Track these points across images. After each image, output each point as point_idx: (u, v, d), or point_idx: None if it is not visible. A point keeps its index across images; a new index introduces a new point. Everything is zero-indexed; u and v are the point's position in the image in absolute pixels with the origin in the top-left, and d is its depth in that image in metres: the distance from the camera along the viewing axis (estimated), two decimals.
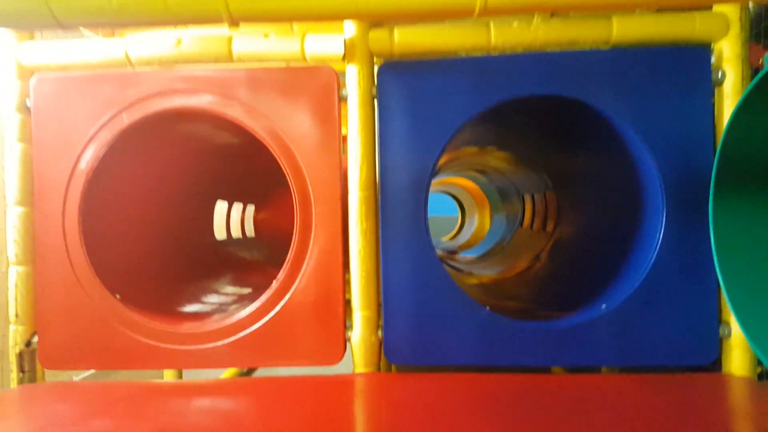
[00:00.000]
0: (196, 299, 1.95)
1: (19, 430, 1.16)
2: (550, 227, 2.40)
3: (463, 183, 4.48)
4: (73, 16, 0.60)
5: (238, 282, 2.31)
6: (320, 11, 0.58)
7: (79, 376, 2.44)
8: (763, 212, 1.23)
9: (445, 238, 5.39)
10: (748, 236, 1.23)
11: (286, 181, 1.46)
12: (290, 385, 1.34)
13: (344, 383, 1.35)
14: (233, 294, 2.13)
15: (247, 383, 1.43)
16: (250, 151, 2.14)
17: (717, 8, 1.38)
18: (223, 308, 1.86)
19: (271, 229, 3.29)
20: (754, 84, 1.09)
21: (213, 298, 2.02)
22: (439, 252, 3.72)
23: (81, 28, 1.31)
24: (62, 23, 0.61)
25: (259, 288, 1.59)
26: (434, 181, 4.35)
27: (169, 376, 2.37)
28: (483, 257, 3.37)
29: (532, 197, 2.68)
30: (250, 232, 3.08)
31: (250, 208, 3.08)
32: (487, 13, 0.57)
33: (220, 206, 2.64)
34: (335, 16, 0.62)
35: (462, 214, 5.38)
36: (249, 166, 2.53)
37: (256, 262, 2.92)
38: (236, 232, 2.85)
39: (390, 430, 1.11)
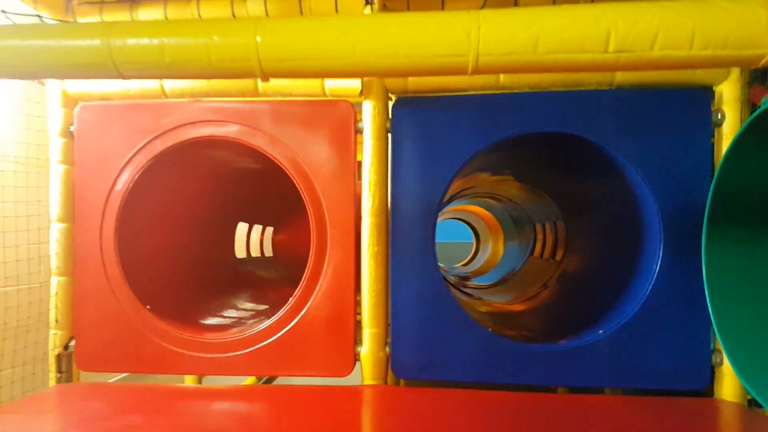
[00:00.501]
0: (217, 313, 2.06)
1: (58, 422, 1.28)
2: (559, 256, 2.47)
3: (478, 211, 4.56)
4: (133, 69, 0.72)
5: (255, 298, 2.42)
6: (336, 71, 0.68)
7: (111, 379, 2.56)
8: (754, 249, 1.30)
9: (458, 264, 5.45)
10: (740, 272, 1.30)
11: (303, 206, 1.57)
12: (303, 394, 1.43)
13: (353, 394, 1.44)
14: (251, 310, 2.24)
15: (264, 390, 1.53)
16: (270, 178, 2.27)
17: None
18: (242, 322, 1.97)
19: (288, 250, 3.42)
20: (747, 125, 1.18)
21: (232, 313, 2.14)
22: (451, 278, 3.80)
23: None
24: (124, 75, 0.72)
25: (275, 304, 1.70)
26: (450, 208, 4.45)
27: (189, 381, 2.47)
28: (495, 285, 3.44)
29: (544, 227, 2.76)
30: (269, 252, 3.21)
31: (269, 230, 3.21)
32: (479, 72, 0.66)
33: (241, 227, 2.77)
34: (350, 75, 0.71)
35: (476, 240, 5.45)
36: (269, 192, 2.66)
37: (273, 280, 3.04)
38: (255, 252, 2.98)
39: None
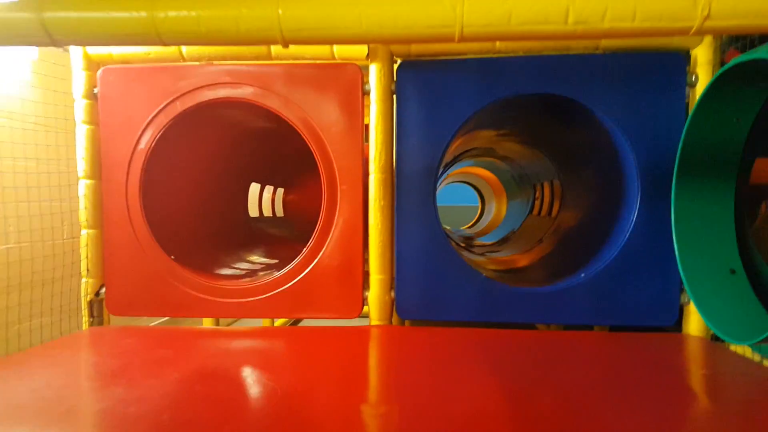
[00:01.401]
0: (233, 264, 2.22)
1: (99, 355, 1.45)
2: (554, 212, 2.61)
3: (482, 173, 4.68)
4: (173, 37, 0.83)
5: (267, 254, 2.57)
6: (346, 38, 0.80)
7: (154, 322, 2.76)
8: (718, 197, 1.43)
9: (464, 227, 5.60)
10: (704, 218, 1.44)
11: (312, 167, 1.70)
12: (317, 334, 1.59)
13: (362, 333, 1.60)
14: (263, 263, 2.40)
15: (280, 331, 1.70)
16: (281, 140, 2.40)
17: None
18: (255, 273, 2.13)
19: (298, 209, 3.57)
20: (711, 84, 1.30)
21: (246, 265, 2.30)
22: (457, 237, 3.95)
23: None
24: (165, 43, 0.83)
25: (285, 260, 1.84)
26: (455, 171, 4.57)
27: (207, 324, 2.65)
28: (497, 242, 3.59)
29: (542, 185, 2.89)
30: (280, 212, 3.36)
31: (280, 191, 3.35)
32: (464, 40, 0.77)
33: (254, 188, 2.91)
34: (357, 42, 0.82)
35: (482, 203, 5.59)
36: (281, 153, 2.79)
37: (283, 237, 3.20)
38: (267, 212, 3.13)
39: (399, 370, 1.35)
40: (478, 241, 4.04)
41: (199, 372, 1.30)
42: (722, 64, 1.56)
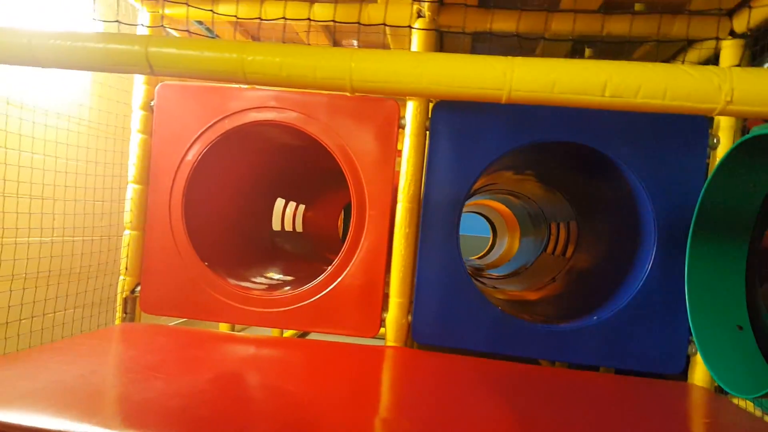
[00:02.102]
0: (254, 276, 2.33)
1: (134, 350, 1.55)
2: (569, 253, 2.69)
3: (497, 206, 4.78)
4: (257, 79, 0.94)
5: (284, 268, 2.67)
6: (407, 93, 0.90)
7: (172, 322, 2.85)
8: (731, 256, 1.52)
9: (474, 257, 5.67)
10: (716, 274, 1.52)
11: (331, 188, 1.81)
12: (334, 348, 1.68)
13: (377, 352, 1.69)
14: (279, 280, 2.49)
15: (300, 342, 1.79)
16: (307, 159, 2.52)
17: None
18: (277, 286, 2.23)
19: (315, 225, 3.69)
20: (732, 149, 1.40)
21: (269, 277, 2.40)
22: (467, 266, 4.02)
23: None
24: (249, 82, 0.94)
25: (301, 275, 1.93)
26: (472, 202, 4.67)
27: (223, 329, 2.74)
28: (508, 276, 3.67)
29: (558, 225, 2.98)
30: (299, 227, 3.48)
31: (301, 207, 3.48)
32: (510, 102, 0.88)
33: (279, 202, 3.03)
34: (416, 96, 0.92)
35: (493, 235, 5.67)
36: (305, 172, 2.92)
37: (300, 253, 3.31)
38: (288, 226, 3.25)
39: (410, 391, 1.43)
40: (489, 273, 4.12)
41: (230, 374, 1.40)
42: (745, 128, 1.66)
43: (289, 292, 1.83)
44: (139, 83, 1.92)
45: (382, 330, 1.79)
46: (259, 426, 1.07)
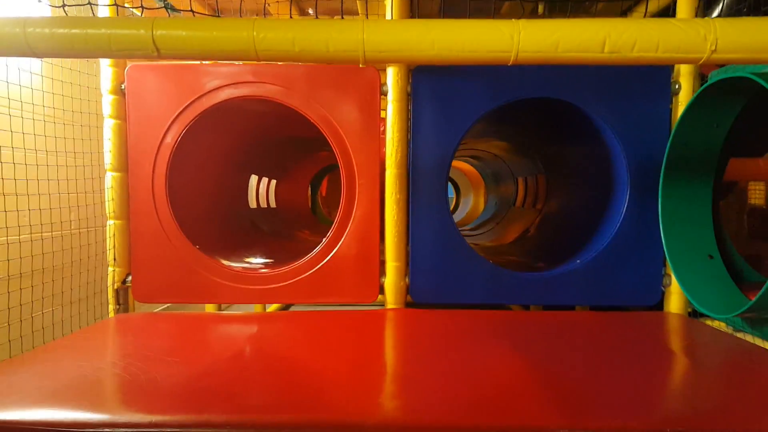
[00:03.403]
0: (240, 255, 2.34)
1: (137, 338, 1.55)
2: (539, 205, 2.81)
3: (462, 166, 4.86)
4: (269, 55, 0.94)
5: (265, 248, 2.68)
6: (419, 60, 0.93)
7: (156, 309, 2.82)
8: (699, 193, 1.65)
9: None
10: (687, 210, 1.65)
11: (301, 158, 1.81)
12: (338, 317, 1.73)
13: (379, 316, 1.75)
14: (260, 264, 2.49)
15: (302, 314, 1.83)
16: (275, 129, 2.49)
17: None
18: (269, 264, 2.25)
19: (287, 200, 3.69)
20: (695, 97, 1.51)
21: (248, 259, 2.41)
22: None
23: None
24: (261, 59, 0.93)
25: (283, 255, 1.93)
26: None
27: (210, 309, 2.74)
28: (477, 229, 3.79)
29: (525, 180, 3.09)
30: (273, 202, 3.46)
31: (273, 182, 3.45)
32: (517, 63, 0.93)
33: (252, 179, 3.01)
34: (429, 62, 0.94)
35: (457, 195, 5.78)
36: (274, 143, 2.90)
37: (278, 231, 3.31)
38: (264, 203, 3.23)
39: (412, 348, 1.50)
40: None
41: (240, 351, 1.43)
42: (701, 75, 1.77)
43: (286, 267, 1.86)
44: (105, 65, 1.85)
45: (380, 297, 1.86)
46: (269, 395, 1.11)
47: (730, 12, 1.71)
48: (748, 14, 1.65)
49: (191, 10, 1.30)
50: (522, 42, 0.92)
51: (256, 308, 3.00)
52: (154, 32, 0.91)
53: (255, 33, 0.91)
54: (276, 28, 0.91)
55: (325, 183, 4.44)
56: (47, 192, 2.34)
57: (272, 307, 3.14)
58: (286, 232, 3.43)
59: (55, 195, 2.38)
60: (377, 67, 1.79)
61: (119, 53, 0.94)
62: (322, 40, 0.91)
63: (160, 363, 1.28)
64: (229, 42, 0.92)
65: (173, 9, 1.94)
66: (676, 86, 1.75)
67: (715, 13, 1.95)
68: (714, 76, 1.53)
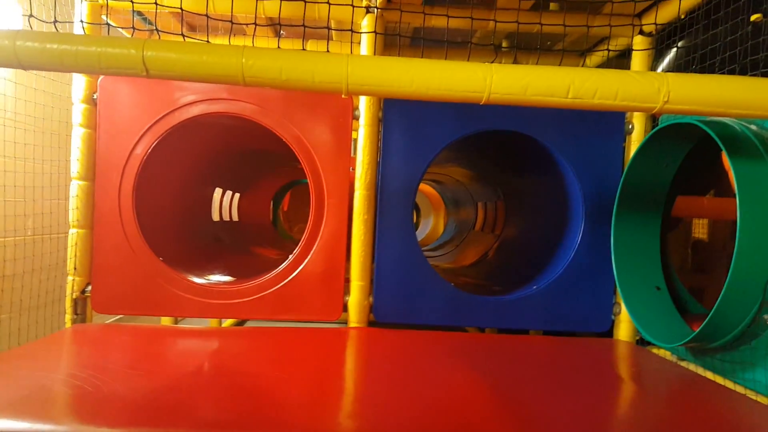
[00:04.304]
0: (205, 270, 2.32)
1: (94, 350, 1.53)
2: (498, 230, 2.92)
3: (423, 188, 4.95)
4: (256, 81, 0.98)
5: (227, 262, 2.67)
6: (397, 95, 0.99)
7: (108, 320, 2.73)
8: (648, 226, 1.77)
9: None
10: (637, 243, 1.77)
11: (263, 172, 1.83)
12: (299, 334, 1.75)
13: (342, 334, 1.78)
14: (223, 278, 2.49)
15: (264, 331, 1.84)
16: (239, 142, 2.51)
17: None
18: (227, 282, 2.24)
19: (249, 213, 3.68)
20: (648, 138, 1.63)
21: (211, 274, 2.39)
22: None
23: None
24: (247, 84, 0.97)
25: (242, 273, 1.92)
26: None
27: (166, 323, 2.69)
28: (438, 249, 3.88)
29: (485, 205, 3.20)
30: (236, 216, 3.45)
31: (236, 196, 3.45)
32: (489, 103, 1.00)
33: (216, 193, 3.00)
34: (406, 98, 1.00)
35: (417, 215, 5.87)
36: (237, 156, 2.91)
37: (240, 245, 3.30)
38: (226, 216, 3.22)
39: (374, 365, 1.54)
40: None
41: (196, 366, 1.44)
42: (653, 117, 1.91)
43: (251, 282, 1.87)
44: (79, 75, 1.84)
45: (344, 315, 1.89)
46: (229, 412, 1.12)
47: (679, 62, 1.85)
48: (694, 64, 1.79)
49: (182, 34, 1.33)
50: (494, 84, 0.99)
51: (212, 323, 2.96)
52: (144, 53, 0.93)
53: (244, 60, 0.95)
54: (264, 56, 0.96)
55: (287, 198, 4.45)
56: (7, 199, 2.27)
57: (227, 322, 3.11)
58: (247, 246, 3.42)
59: (12, 202, 2.31)
60: None
61: (107, 71, 0.96)
62: (308, 70, 0.95)
63: (119, 376, 1.27)
64: (217, 67, 0.95)
65: (150, 23, 1.95)
66: (630, 126, 1.88)
67: (665, 61, 2.10)
68: (665, 120, 1.66)
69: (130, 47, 0.93)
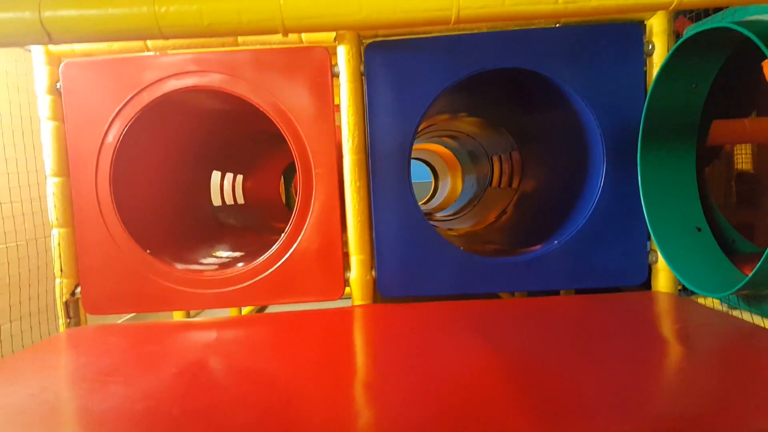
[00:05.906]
0: (203, 257, 2.20)
1: (85, 356, 1.42)
2: (515, 184, 2.70)
3: (436, 149, 4.75)
4: (175, 31, 0.82)
5: (232, 244, 2.55)
6: (347, 26, 0.81)
7: (120, 320, 2.67)
8: (681, 160, 1.54)
9: (419, 203, 5.68)
10: (669, 180, 1.54)
11: (267, 151, 1.69)
12: (301, 318, 1.61)
13: (346, 314, 1.63)
14: (228, 257, 2.37)
15: (263, 317, 1.71)
16: (236, 123, 2.36)
17: None
18: (231, 263, 2.12)
19: (257, 196, 3.55)
20: (671, 54, 1.39)
21: (211, 260, 2.27)
22: None
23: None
24: (167, 36, 0.82)
25: (250, 249, 1.81)
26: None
27: (178, 317, 2.60)
28: (456, 214, 3.69)
29: (500, 158, 2.98)
30: (240, 199, 3.33)
31: (239, 178, 3.31)
32: (460, 22, 0.81)
33: (215, 176, 2.87)
34: (357, 29, 0.83)
35: (435, 179, 5.67)
36: (236, 138, 2.76)
37: (247, 226, 3.18)
38: (229, 200, 3.09)
39: (384, 346, 1.39)
40: (437, 215, 4.13)
41: (196, 364, 1.31)
42: (675, 33, 1.66)
43: (244, 267, 1.73)
44: (39, 64, 1.70)
45: (347, 290, 1.74)
46: (237, 416, 1.00)
47: None
48: None
49: None
50: None
51: (232, 311, 2.87)
52: (41, 14, 0.77)
53: (156, 8, 0.78)
54: (180, 0, 0.78)
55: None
56: None
57: (247, 309, 3.02)
58: (259, 225, 3.30)
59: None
60: (326, 46, 1.65)
61: (5, 41, 0.81)
62: (233, 10, 0.78)
63: (100, 385, 1.15)
64: (127, 20, 0.79)
65: None
66: (650, 46, 1.63)
67: None
68: (690, 31, 1.41)
69: (24, 9, 0.77)
